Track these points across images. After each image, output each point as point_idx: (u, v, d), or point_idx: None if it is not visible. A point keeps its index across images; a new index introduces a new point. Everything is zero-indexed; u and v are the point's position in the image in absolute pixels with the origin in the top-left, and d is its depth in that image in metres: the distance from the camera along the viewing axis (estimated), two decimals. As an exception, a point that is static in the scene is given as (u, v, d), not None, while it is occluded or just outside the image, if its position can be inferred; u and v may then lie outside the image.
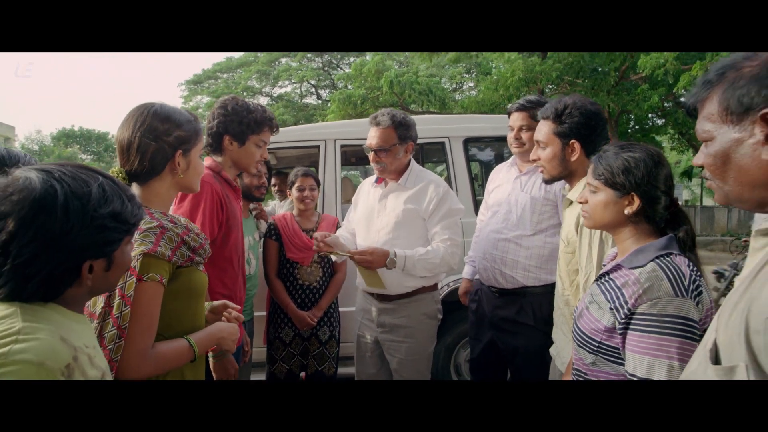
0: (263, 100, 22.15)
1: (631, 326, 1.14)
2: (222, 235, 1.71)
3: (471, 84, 18.00)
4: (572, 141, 1.68)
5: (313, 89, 21.73)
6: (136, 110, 1.28)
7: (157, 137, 1.25)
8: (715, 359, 0.73)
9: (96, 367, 0.83)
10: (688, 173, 23.39)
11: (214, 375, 1.66)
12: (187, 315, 1.28)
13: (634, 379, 1.13)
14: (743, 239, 13.48)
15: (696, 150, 14.15)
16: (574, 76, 11.25)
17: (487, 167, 3.90)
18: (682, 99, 12.90)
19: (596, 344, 1.22)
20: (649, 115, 12.79)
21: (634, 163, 1.24)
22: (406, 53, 16.48)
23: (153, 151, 1.24)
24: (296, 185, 2.60)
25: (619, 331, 1.16)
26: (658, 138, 14.21)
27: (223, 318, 1.38)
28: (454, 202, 2.10)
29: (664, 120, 13.03)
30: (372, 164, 2.14)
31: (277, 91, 22.21)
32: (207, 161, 1.82)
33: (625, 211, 1.24)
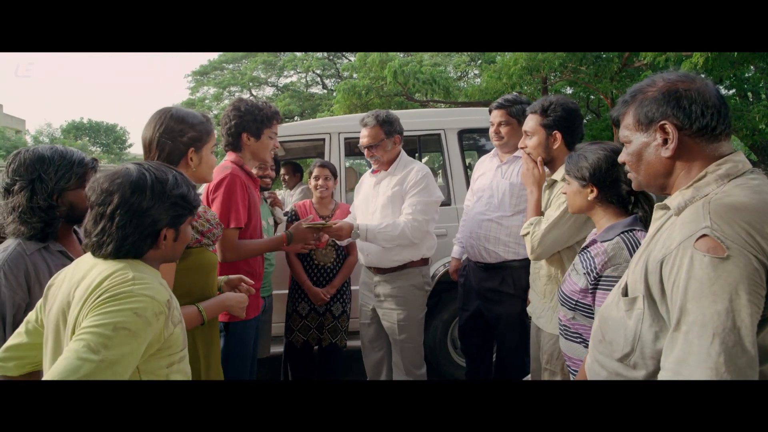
0: (269, 91, 22.27)
1: (599, 287, 1.43)
2: (245, 219, 1.97)
3: (476, 72, 18.02)
4: (555, 131, 1.96)
5: (319, 79, 21.81)
6: (157, 113, 1.53)
7: (173, 137, 1.50)
8: (625, 293, 1.02)
9: (177, 309, 1.10)
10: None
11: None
12: (198, 287, 1.54)
13: None
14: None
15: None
16: (577, 64, 11.29)
17: (481, 156, 4.13)
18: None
19: (574, 302, 1.52)
20: (653, 101, 12.81)
21: (589, 160, 1.54)
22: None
23: (169, 148, 1.50)
24: (313, 175, 2.87)
25: (590, 291, 1.46)
26: (662, 123, 14.19)
27: (237, 290, 1.64)
28: (430, 187, 2.38)
29: (668, 106, 13.05)
30: (368, 158, 2.45)
31: (283, 81, 22.28)
32: (230, 156, 2.06)
33: (588, 197, 1.54)
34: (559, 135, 1.96)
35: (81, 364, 0.91)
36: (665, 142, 1.00)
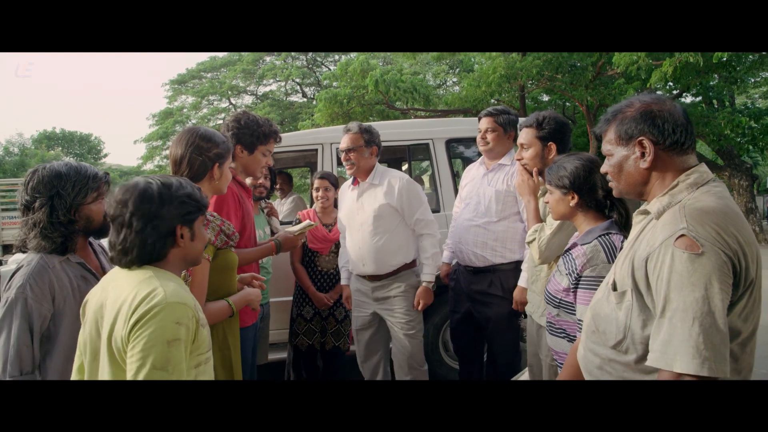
0: (248, 99, 22.15)
1: (579, 286, 1.56)
2: (240, 228, 2.04)
3: (455, 80, 18.36)
4: (550, 143, 2.12)
5: (298, 87, 21.84)
6: (186, 132, 1.67)
7: (201, 153, 1.63)
8: (614, 289, 1.16)
9: (201, 311, 1.17)
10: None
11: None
12: (224, 284, 1.70)
13: (582, 323, 1.52)
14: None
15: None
16: (553, 72, 11.63)
17: (468, 165, 4.27)
18: (659, 92, 13.57)
19: (558, 300, 1.66)
20: (626, 109, 13.16)
21: (568, 169, 1.68)
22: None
23: (198, 163, 1.63)
24: (314, 186, 2.98)
25: (572, 290, 1.59)
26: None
27: (253, 285, 1.84)
28: (420, 194, 2.57)
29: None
30: (344, 162, 2.59)
31: (262, 89, 22.21)
32: None
33: (570, 204, 1.68)
34: (554, 146, 2.12)
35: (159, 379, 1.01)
36: (643, 155, 1.15)
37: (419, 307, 2.51)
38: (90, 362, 1.16)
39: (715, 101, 12.74)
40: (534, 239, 2.02)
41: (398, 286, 2.54)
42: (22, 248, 1.52)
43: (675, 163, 1.14)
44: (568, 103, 13.53)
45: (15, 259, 3.35)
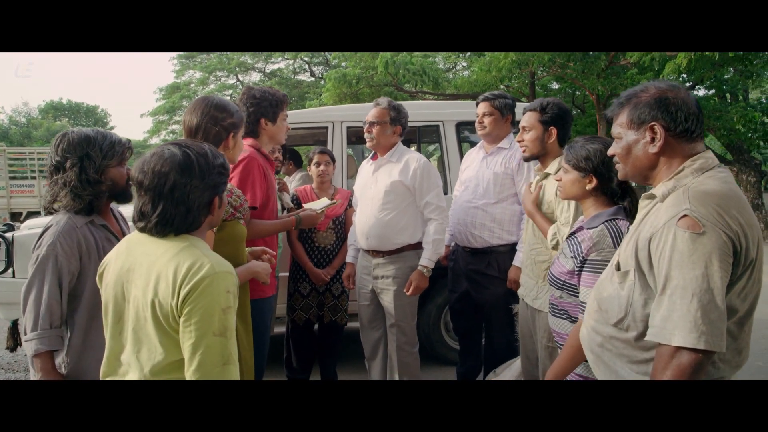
0: (255, 77, 21.99)
1: (584, 269, 1.59)
2: (264, 200, 2.07)
3: (464, 64, 18.15)
4: (551, 127, 2.16)
5: (307, 66, 21.63)
6: (200, 102, 1.68)
7: (216, 123, 1.65)
8: (618, 268, 1.19)
9: None
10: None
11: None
12: (231, 256, 1.64)
13: (585, 305, 1.55)
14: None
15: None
16: (565, 60, 11.51)
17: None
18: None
19: (561, 282, 1.68)
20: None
21: (593, 152, 1.68)
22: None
23: (214, 133, 1.65)
24: (314, 161, 2.98)
25: (576, 272, 1.61)
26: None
27: (263, 258, 1.80)
28: (433, 176, 2.55)
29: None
30: (365, 135, 2.58)
31: (270, 67, 22.02)
32: (248, 141, 2.15)
33: (587, 187, 1.69)
34: (554, 131, 2.15)
35: (220, 345, 1.07)
36: (653, 140, 1.17)
37: (410, 290, 2.49)
38: (113, 324, 1.18)
39: (728, 95, 12.57)
40: (557, 240, 2.00)
41: (398, 267, 2.55)
42: (50, 208, 1.59)
43: (683, 150, 1.17)
44: (578, 92, 13.39)
45: (27, 225, 3.40)
